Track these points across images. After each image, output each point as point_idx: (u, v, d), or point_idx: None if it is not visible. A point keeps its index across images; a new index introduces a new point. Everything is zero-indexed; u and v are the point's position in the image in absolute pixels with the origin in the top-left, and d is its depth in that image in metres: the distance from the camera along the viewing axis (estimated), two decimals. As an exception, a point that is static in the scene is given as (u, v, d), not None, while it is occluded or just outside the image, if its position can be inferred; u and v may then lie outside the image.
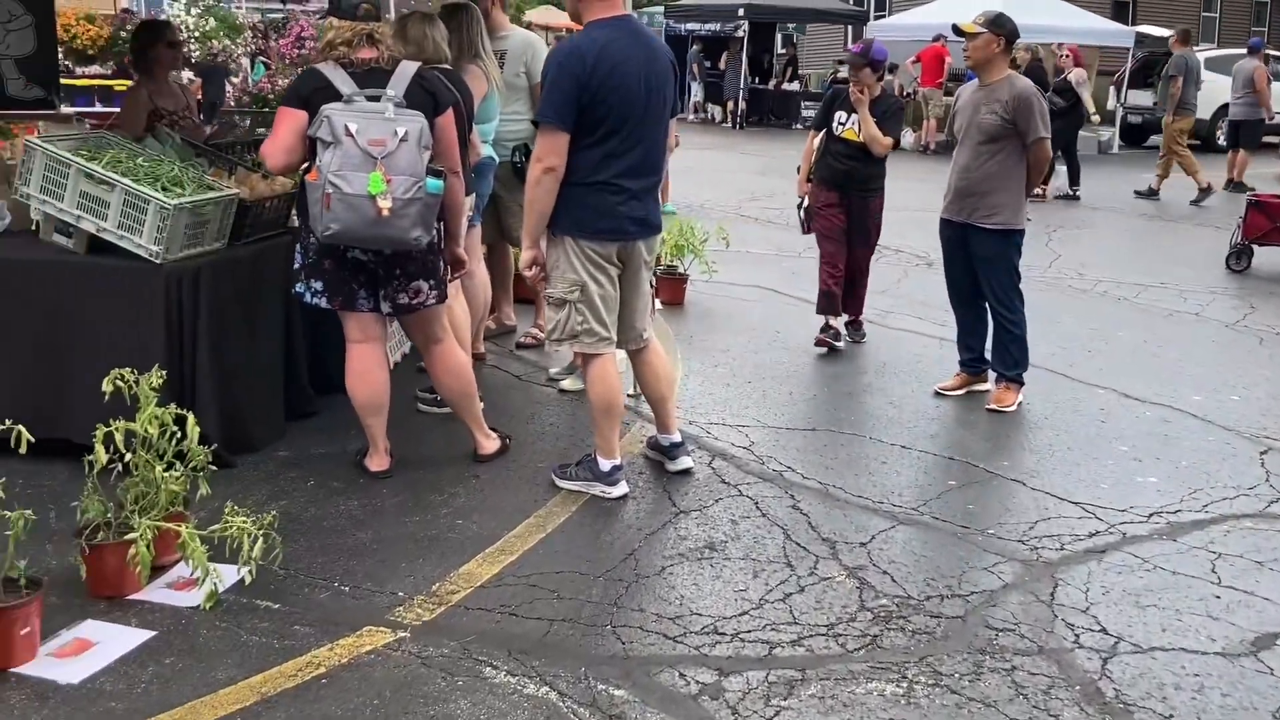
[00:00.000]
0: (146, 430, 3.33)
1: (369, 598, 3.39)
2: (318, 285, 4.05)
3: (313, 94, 3.87)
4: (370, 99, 3.87)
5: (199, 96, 9.85)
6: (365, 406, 4.23)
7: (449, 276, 4.38)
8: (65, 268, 4.16)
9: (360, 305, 4.11)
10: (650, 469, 4.51)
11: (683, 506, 4.17)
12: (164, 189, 4.12)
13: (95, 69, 10.16)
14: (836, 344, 6.36)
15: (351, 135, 3.76)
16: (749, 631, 3.28)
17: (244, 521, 3.31)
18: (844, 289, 6.41)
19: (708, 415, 5.21)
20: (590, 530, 3.93)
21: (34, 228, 4.35)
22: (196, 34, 9.75)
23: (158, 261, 4.08)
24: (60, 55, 12.92)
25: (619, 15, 3.96)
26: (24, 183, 4.15)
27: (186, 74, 14.86)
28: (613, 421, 4.16)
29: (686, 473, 4.44)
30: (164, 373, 3.41)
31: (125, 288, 4.11)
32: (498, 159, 5.60)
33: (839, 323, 6.45)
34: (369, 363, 4.20)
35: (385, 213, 3.77)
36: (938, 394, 5.69)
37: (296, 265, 4.09)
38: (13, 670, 2.91)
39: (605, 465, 4.17)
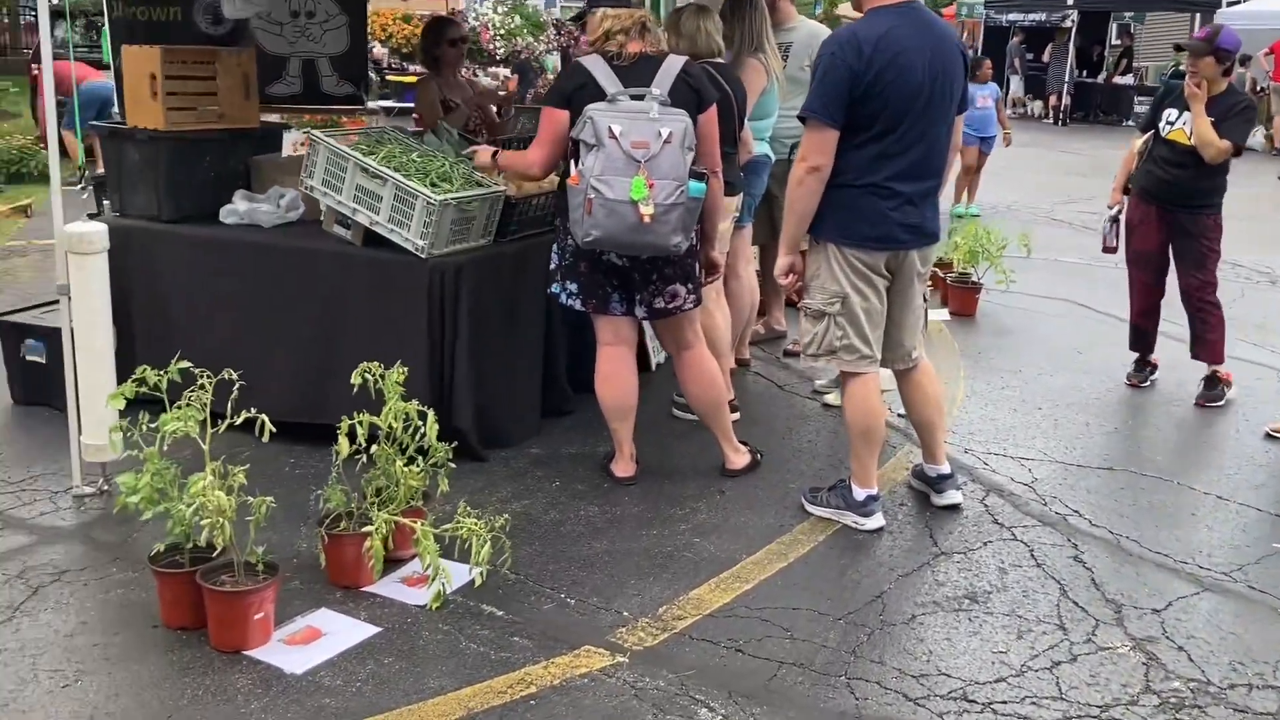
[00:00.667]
0: (390, 424, 3.34)
1: (593, 614, 3.25)
2: (572, 287, 3.96)
3: (575, 92, 3.78)
4: (634, 98, 3.72)
5: (513, 91, 10.20)
6: (612, 410, 4.11)
7: (704, 280, 4.18)
8: (341, 258, 4.30)
9: (614, 309, 3.99)
10: (913, 501, 4.12)
11: (945, 547, 3.76)
12: (432, 185, 4.17)
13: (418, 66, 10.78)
14: (1142, 384, 5.60)
15: (615, 138, 3.63)
16: (1004, 703, 2.87)
17: (475, 524, 3.26)
18: (1190, 327, 5.42)
19: (986, 444, 4.73)
20: (836, 565, 3.61)
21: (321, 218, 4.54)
22: (502, 31, 10.10)
23: (423, 256, 4.14)
24: (386, 54, 14.00)
25: (903, 1, 3.59)
26: (308, 175, 4.33)
27: (503, 71, 15.59)
28: (871, 447, 3.81)
29: (954, 508, 4.02)
30: (405, 369, 3.41)
31: (393, 281, 4.20)
32: (774, 156, 5.34)
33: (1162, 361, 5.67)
34: (618, 366, 4.07)
35: (647, 219, 3.62)
36: (1269, 436, 4.89)
37: (553, 265, 4.03)
38: (246, 653, 2.99)
39: (860, 494, 3.83)
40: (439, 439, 3.89)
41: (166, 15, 5.70)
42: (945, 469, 4.05)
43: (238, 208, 4.73)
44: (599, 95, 3.72)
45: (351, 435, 3.27)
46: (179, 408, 3.06)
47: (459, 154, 4.71)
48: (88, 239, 3.73)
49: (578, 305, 3.98)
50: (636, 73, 3.78)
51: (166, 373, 3.12)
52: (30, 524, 3.74)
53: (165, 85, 4.62)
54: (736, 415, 4.77)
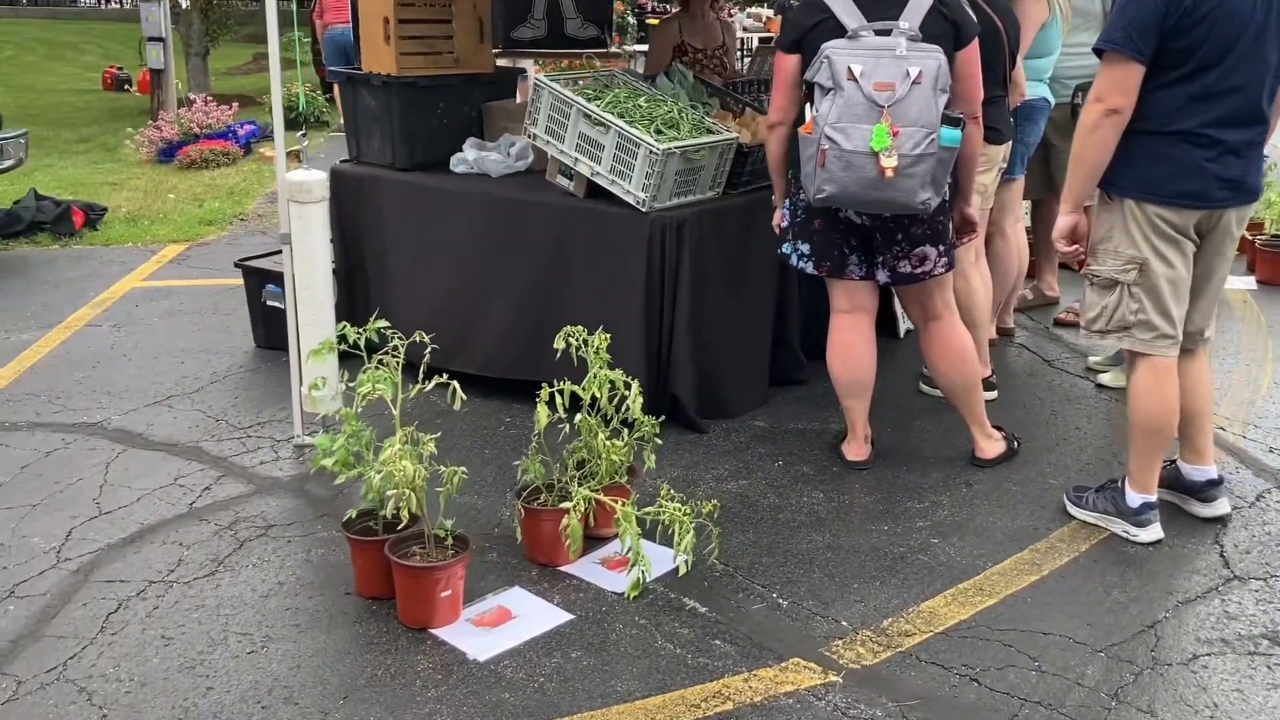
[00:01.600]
0: (595, 393, 3.08)
1: (807, 620, 2.88)
2: (805, 248, 3.55)
3: (811, 30, 3.33)
4: (879, 33, 3.24)
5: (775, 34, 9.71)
6: (845, 385, 3.68)
7: (959, 241, 3.66)
8: (562, 210, 4.06)
9: (851, 273, 3.55)
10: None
11: (1240, 570, 3.13)
12: (657, 132, 3.84)
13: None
14: None
15: (855, 79, 3.17)
16: (1312, 785, 2.30)
17: (678, 508, 2.96)
18: None
19: (1298, 441, 3.97)
20: (1101, 583, 3.07)
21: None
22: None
23: (644, 210, 3.83)
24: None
25: None
26: (532, 123, 4.10)
27: (765, 11, 14.99)
28: (1157, 446, 3.21)
29: (1221, 520, 3.36)
30: (607, 335, 3.12)
31: (612, 235, 3.93)
32: (1053, 101, 4.68)
33: None
34: (854, 336, 3.64)
35: (890, 173, 3.16)
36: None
37: (784, 223, 3.63)
38: (433, 630, 2.82)
39: (1135, 500, 3.24)
40: (654, 407, 3.64)
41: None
42: (1214, 472, 3.38)
43: (467, 156, 4.58)
44: (838, 32, 3.27)
45: (553, 402, 3.03)
46: (374, 368, 2.90)
47: (695, 99, 4.37)
48: (306, 187, 3.66)
49: (810, 268, 3.57)
50: (882, 4, 3.30)
51: (365, 331, 2.96)
52: (250, 473, 3.75)
53: (398, 29, 4.52)
54: (993, 395, 4.23)
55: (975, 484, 3.63)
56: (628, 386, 3.09)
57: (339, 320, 4.63)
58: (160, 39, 11.34)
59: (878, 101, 3.17)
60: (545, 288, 4.10)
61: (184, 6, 13.12)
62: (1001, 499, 3.53)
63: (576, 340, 3.10)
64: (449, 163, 4.61)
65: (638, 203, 3.84)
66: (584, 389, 3.08)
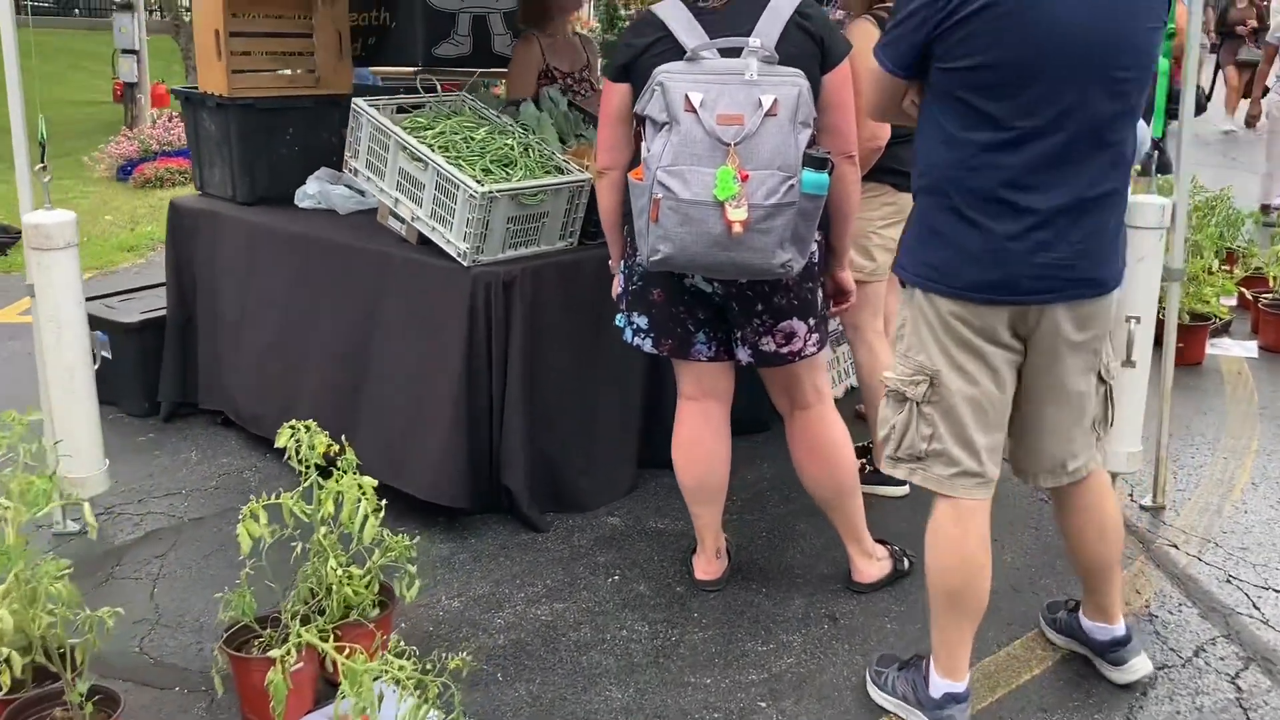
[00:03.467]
0: (326, 511, 2.43)
1: (565, 819, 2.20)
2: (641, 321, 2.87)
3: (643, 53, 2.67)
4: (725, 53, 2.57)
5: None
6: (691, 489, 3.00)
7: (832, 312, 2.97)
8: (381, 260, 3.42)
9: (698, 353, 2.87)
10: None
11: (1153, 763, 2.40)
12: (485, 171, 3.20)
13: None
14: None
15: (694, 110, 2.50)
16: None
17: (407, 668, 2.29)
18: None
19: (1265, 571, 3.20)
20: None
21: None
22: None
23: (465, 264, 3.18)
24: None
25: None
26: (352, 155, 3.48)
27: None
28: (962, 615, 2.39)
29: (1137, 686, 2.61)
30: (329, 442, 2.46)
31: (433, 292, 3.28)
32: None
33: None
34: (701, 429, 2.96)
35: (738, 228, 2.48)
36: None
37: (617, 289, 2.95)
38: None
39: (938, 687, 2.43)
40: (481, 500, 3.06)
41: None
42: (1121, 630, 2.62)
43: (309, 189, 3.98)
44: (676, 54, 2.60)
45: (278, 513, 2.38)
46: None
47: (563, 130, 3.72)
48: (45, 232, 3.05)
49: (649, 346, 2.88)
50: (730, 18, 2.63)
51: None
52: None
53: (230, 44, 3.92)
54: (902, 491, 3.52)
55: (841, 618, 2.91)
56: (365, 494, 2.43)
57: (170, 378, 4.10)
58: (133, 51, 10.92)
59: (722, 139, 2.49)
60: (361, 351, 3.46)
61: (185, 20, 12.72)
62: (867, 640, 2.81)
63: (304, 435, 2.45)
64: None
65: (458, 254, 3.19)
66: (316, 503, 2.43)
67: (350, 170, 3.49)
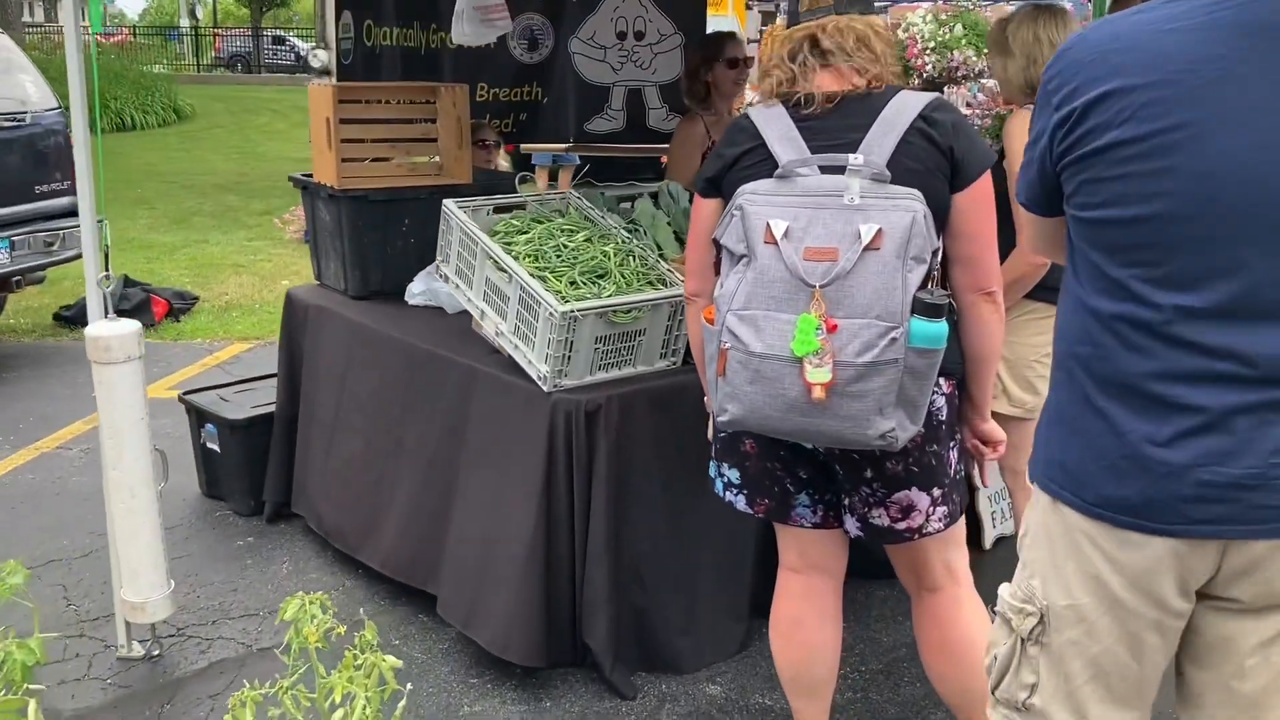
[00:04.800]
0: (324, 700, 2.07)
1: None
2: (732, 475, 2.40)
3: (734, 164, 2.23)
4: (827, 170, 2.10)
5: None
6: (790, 679, 2.49)
7: (976, 466, 2.41)
8: (470, 374, 3.08)
9: (799, 517, 2.37)
10: None
11: None
12: (571, 285, 2.81)
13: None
14: None
15: (775, 241, 2.05)
16: None
17: None
18: None
19: None
20: None
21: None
22: (932, 44, 8.17)
23: (545, 389, 2.80)
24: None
25: None
26: (444, 260, 3.17)
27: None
28: None
29: None
30: (334, 624, 2.09)
31: (514, 416, 2.91)
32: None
33: None
34: (803, 608, 2.45)
35: (818, 392, 2.00)
36: None
37: (711, 432, 2.49)
38: None
39: None
40: (557, 656, 2.69)
41: (428, 41, 4.83)
42: None
43: (416, 287, 3.71)
44: (769, 168, 2.15)
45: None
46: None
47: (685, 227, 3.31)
48: (105, 344, 2.86)
49: (742, 504, 2.41)
50: (837, 126, 2.15)
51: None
52: (50, 695, 2.96)
53: (343, 131, 3.72)
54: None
55: None
56: (370, 697, 2.05)
57: (275, 477, 3.91)
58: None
59: (807, 279, 2.02)
60: (443, 471, 3.13)
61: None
62: None
63: (304, 615, 2.10)
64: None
65: (539, 377, 2.82)
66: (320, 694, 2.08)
67: (441, 276, 3.19)
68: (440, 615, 3.07)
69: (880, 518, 2.27)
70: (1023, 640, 1.70)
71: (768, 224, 2.07)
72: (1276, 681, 1.58)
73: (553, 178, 10.46)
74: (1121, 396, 1.55)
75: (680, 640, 2.98)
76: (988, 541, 3.73)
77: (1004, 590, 1.76)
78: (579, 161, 10.35)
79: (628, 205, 3.40)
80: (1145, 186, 1.48)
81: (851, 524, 2.33)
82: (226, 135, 18.60)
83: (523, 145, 5.82)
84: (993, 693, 1.78)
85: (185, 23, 42.95)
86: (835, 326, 1.99)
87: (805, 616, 2.45)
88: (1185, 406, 1.50)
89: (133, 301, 7.02)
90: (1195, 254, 1.47)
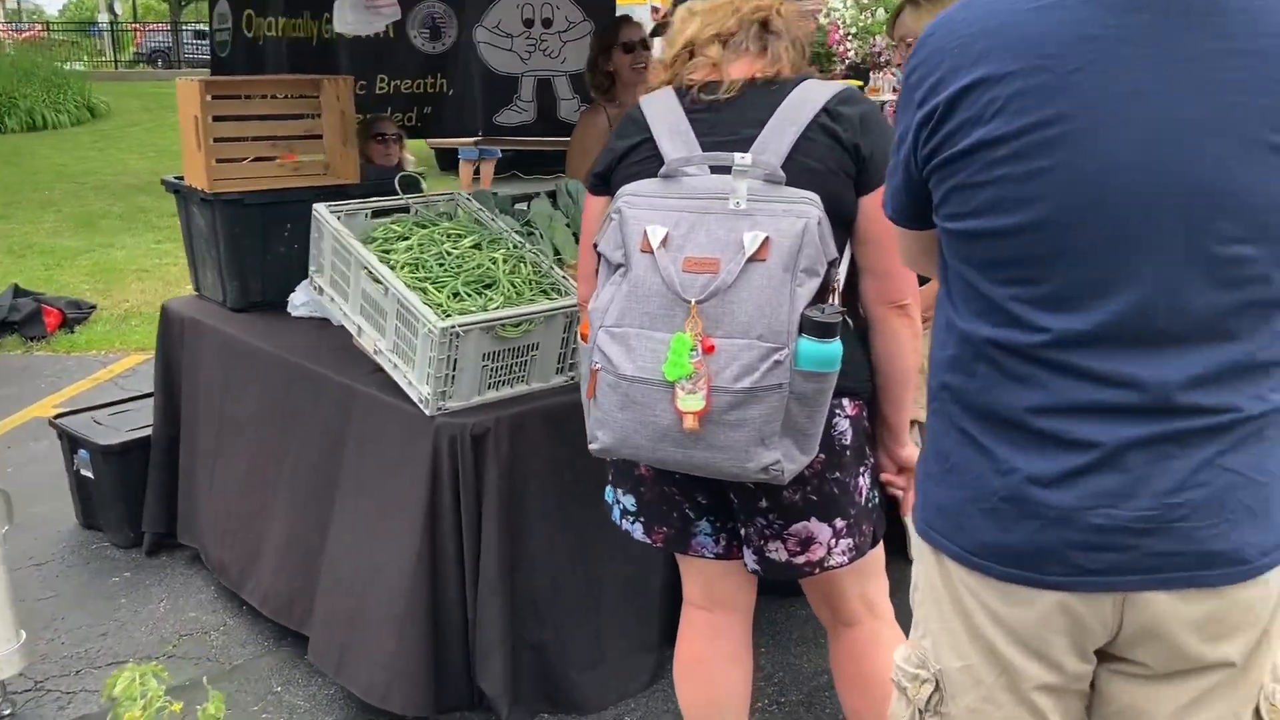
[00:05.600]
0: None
1: None
2: (628, 501, 2.17)
3: (623, 159, 2.01)
4: (718, 170, 1.88)
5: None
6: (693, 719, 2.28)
7: (890, 494, 2.20)
8: (346, 393, 2.82)
9: (701, 547, 2.15)
10: None
11: None
12: (454, 296, 2.56)
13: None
14: None
15: (652, 251, 1.82)
16: None
17: None
18: None
19: None
20: None
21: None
22: (854, 29, 8.02)
23: (428, 412, 2.55)
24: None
25: None
26: (316, 270, 2.90)
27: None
28: None
29: None
30: (167, 703, 1.83)
31: (394, 442, 2.66)
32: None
33: None
34: (706, 649, 2.23)
35: (690, 421, 1.78)
36: None
37: (611, 454, 2.26)
38: None
39: None
40: (450, 701, 2.45)
41: (320, 31, 4.52)
42: None
43: (298, 299, 3.43)
44: (656, 164, 1.93)
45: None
46: None
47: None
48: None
49: (639, 534, 2.18)
50: (732, 118, 1.93)
51: None
52: None
53: (215, 129, 3.42)
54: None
55: None
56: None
57: (154, 506, 3.60)
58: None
59: (684, 293, 1.80)
60: (320, 501, 2.86)
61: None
62: None
63: (135, 690, 1.83)
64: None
65: (419, 400, 2.56)
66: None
67: (316, 288, 2.91)
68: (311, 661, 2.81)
69: (777, 551, 2.05)
70: (920, 711, 1.49)
71: (645, 231, 1.84)
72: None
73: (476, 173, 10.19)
74: (1002, 432, 1.34)
75: (585, 677, 2.75)
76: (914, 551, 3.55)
77: (898, 655, 1.55)
78: (500, 155, 10.13)
79: (523, 206, 3.16)
80: (1020, 191, 1.27)
81: (749, 557, 2.11)
82: (143, 133, 17.96)
83: (428, 140, 5.54)
84: None
85: (104, 18, 41.70)
86: (712, 347, 1.77)
87: (710, 657, 2.23)
88: (1073, 442, 1.30)
89: (22, 313, 6.62)
90: (1080, 268, 1.27)
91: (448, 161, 11.56)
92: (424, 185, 3.01)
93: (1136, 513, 1.29)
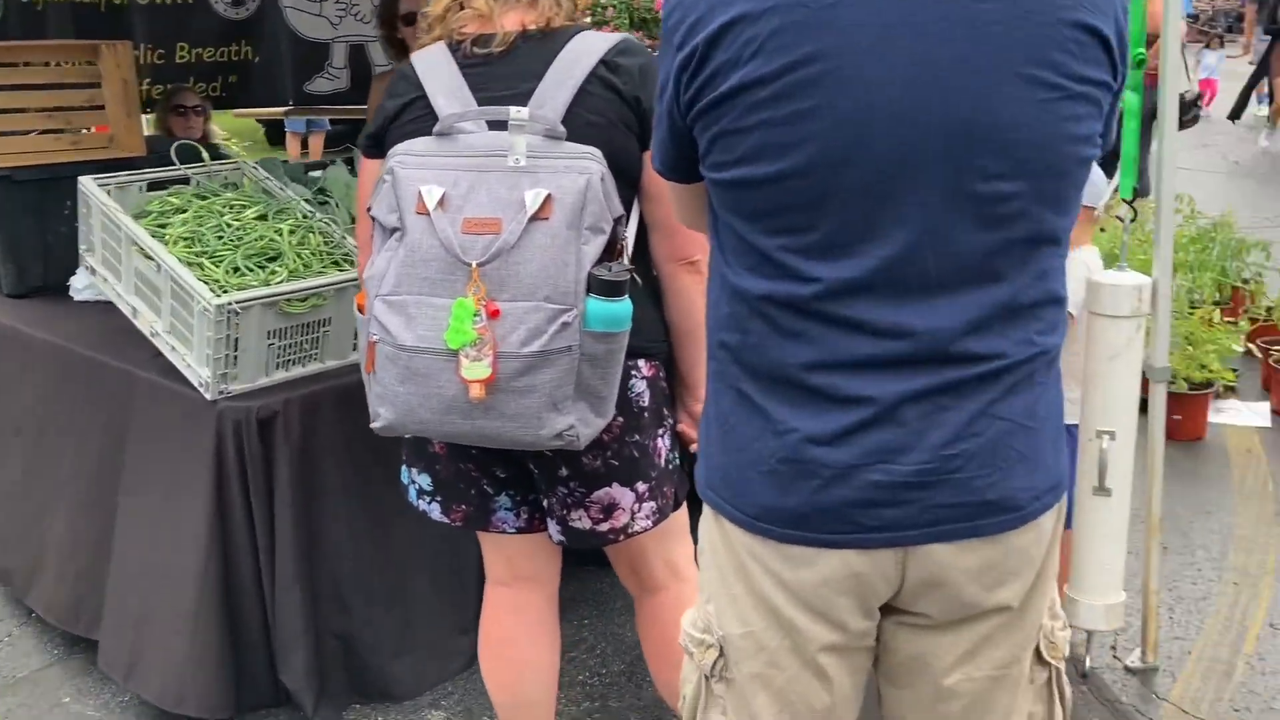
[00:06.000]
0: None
1: None
2: (424, 480, 2.08)
3: (394, 121, 1.91)
4: (496, 126, 1.79)
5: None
6: (503, 704, 2.21)
7: (678, 463, 2.17)
8: (125, 381, 2.63)
9: (502, 523, 2.08)
10: None
11: None
12: (234, 271, 2.41)
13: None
14: None
15: (428, 212, 1.72)
16: None
17: None
18: None
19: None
20: None
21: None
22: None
23: (209, 397, 2.39)
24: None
25: None
26: (87, 248, 2.70)
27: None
28: None
29: None
30: None
31: (175, 431, 2.49)
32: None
33: None
34: (514, 627, 2.16)
35: (476, 390, 1.70)
36: None
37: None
38: None
39: None
40: (253, 700, 2.32)
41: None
42: None
43: (79, 280, 3.19)
44: (431, 123, 1.83)
45: None
46: None
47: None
48: None
49: (436, 513, 2.09)
50: (508, 72, 1.85)
51: None
52: None
53: (-25, 100, 3.15)
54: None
55: None
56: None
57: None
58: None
59: (464, 256, 1.71)
60: (103, 497, 2.67)
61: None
62: None
63: None
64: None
65: (199, 384, 2.40)
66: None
67: (89, 269, 2.71)
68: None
69: (581, 520, 1.99)
70: (706, 677, 1.46)
71: (419, 191, 1.75)
72: (980, 703, 1.40)
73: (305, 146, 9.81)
74: (778, 391, 1.30)
75: (395, 664, 2.65)
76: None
77: (685, 620, 1.51)
78: (329, 127, 9.76)
79: (318, 173, 3.00)
80: (784, 135, 1.22)
81: (553, 528, 2.05)
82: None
83: (235, 111, 5.28)
84: None
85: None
86: (497, 312, 1.70)
87: (516, 635, 2.16)
88: (849, 398, 1.27)
89: None
90: (847, 212, 1.23)
91: (277, 135, 11.11)
92: (206, 156, 2.82)
93: (914, 466, 1.27)
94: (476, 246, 1.71)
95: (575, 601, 2.99)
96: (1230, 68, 12.95)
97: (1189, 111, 6.86)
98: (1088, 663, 2.71)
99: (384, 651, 2.63)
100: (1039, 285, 1.29)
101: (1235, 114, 11.88)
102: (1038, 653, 1.42)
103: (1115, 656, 2.77)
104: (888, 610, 1.39)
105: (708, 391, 1.45)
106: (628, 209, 1.87)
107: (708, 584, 1.47)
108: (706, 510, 1.45)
